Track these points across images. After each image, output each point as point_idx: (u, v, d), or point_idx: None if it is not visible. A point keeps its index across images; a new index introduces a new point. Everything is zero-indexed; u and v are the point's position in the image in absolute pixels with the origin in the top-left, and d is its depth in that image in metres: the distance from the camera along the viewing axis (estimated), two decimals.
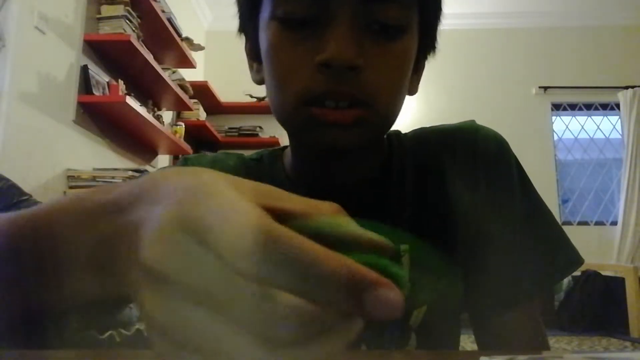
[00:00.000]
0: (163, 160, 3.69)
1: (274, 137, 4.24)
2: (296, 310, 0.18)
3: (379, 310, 0.18)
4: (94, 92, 2.50)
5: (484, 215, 0.52)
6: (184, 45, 3.35)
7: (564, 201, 4.66)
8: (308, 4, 0.44)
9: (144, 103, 2.97)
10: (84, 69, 2.48)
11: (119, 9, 2.58)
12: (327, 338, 0.19)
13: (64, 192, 2.35)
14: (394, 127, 0.53)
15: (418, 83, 0.54)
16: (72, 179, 2.38)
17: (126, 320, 1.63)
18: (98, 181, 2.38)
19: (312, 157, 0.52)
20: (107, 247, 0.25)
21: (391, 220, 0.51)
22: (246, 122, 4.48)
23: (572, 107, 4.75)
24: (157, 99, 3.26)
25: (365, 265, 0.19)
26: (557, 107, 4.73)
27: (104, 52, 2.64)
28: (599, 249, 4.31)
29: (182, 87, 3.37)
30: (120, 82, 2.68)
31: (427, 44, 0.52)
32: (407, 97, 0.51)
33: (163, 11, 3.01)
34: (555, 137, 4.71)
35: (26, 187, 1.99)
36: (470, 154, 0.54)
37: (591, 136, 4.75)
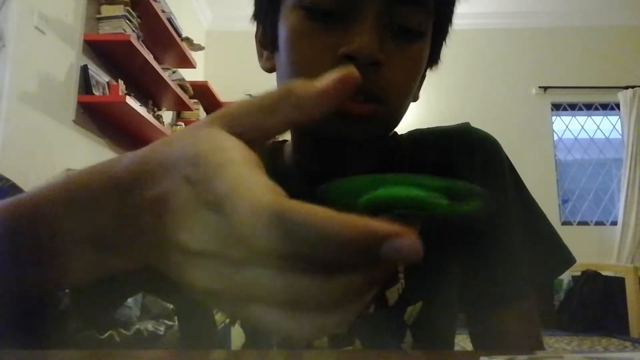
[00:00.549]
0: None
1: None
2: (317, 285, 0.19)
3: (398, 259, 0.18)
4: (94, 92, 2.50)
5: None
6: (184, 45, 3.36)
7: (564, 201, 4.67)
8: None
9: (144, 103, 2.97)
10: (84, 69, 2.48)
11: (119, 9, 2.58)
12: (347, 306, 0.20)
13: None
14: None
15: (419, 91, 0.56)
16: None
17: (126, 320, 1.63)
18: None
19: (313, 150, 0.53)
20: (119, 225, 0.25)
21: None
22: None
23: (572, 107, 4.75)
24: (157, 99, 3.26)
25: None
26: (557, 107, 4.73)
27: (104, 52, 2.65)
28: (599, 249, 4.31)
29: (182, 87, 3.37)
30: (120, 82, 2.68)
31: (433, 56, 0.54)
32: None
33: (163, 11, 3.01)
34: (555, 137, 4.71)
35: (26, 187, 1.99)
36: (467, 155, 0.55)
37: (591, 136, 4.76)
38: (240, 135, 0.24)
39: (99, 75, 2.62)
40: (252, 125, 0.25)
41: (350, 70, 0.25)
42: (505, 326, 0.53)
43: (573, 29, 4.71)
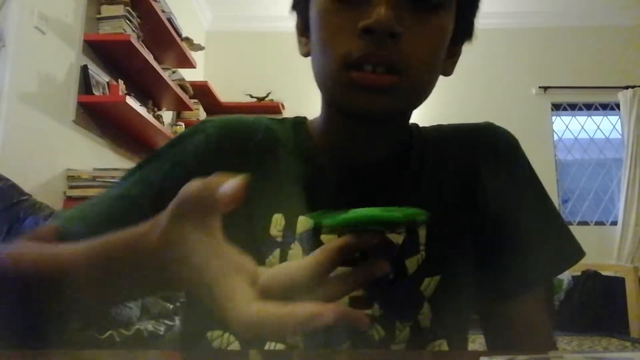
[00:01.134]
0: None
1: None
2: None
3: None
4: (94, 92, 2.50)
5: (502, 206, 0.56)
6: (184, 45, 3.35)
7: (564, 201, 4.66)
8: None
9: (144, 103, 2.97)
10: (84, 69, 2.48)
11: (119, 9, 2.58)
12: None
13: (64, 192, 2.35)
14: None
15: (453, 67, 0.58)
16: (72, 179, 2.38)
17: (126, 321, 1.63)
18: (98, 181, 2.38)
19: (343, 123, 0.55)
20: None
21: (406, 201, 0.53)
22: None
23: (572, 107, 4.75)
24: (157, 99, 3.26)
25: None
26: (557, 107, 4.73)
27: (104, 52, 2.64)
28: (599, 249, 4.31)
29: (182, 87, 3.37)
30: (120, 82, 2.68)
31: (463, 29, 0.56)
32: None
33: (163, 11, 3.01)
34: (555, 137, 4.71)
35: (26, 187, 1.99)
36: (491, 149, 0.58)
37: (591, 136, 4.76)
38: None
39: (99, 75, 2.61)
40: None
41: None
42: (523, 311, 0.55)
43: (573, 29, 4.71)
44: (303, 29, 0.57)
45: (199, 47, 3.67)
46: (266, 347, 0.52)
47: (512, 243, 0.56)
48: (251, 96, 4.43)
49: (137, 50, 2.58)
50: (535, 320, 0.56)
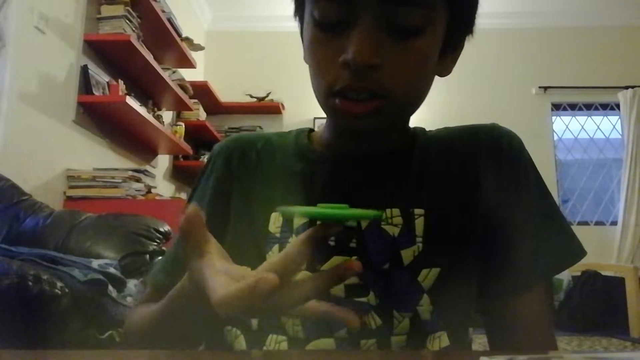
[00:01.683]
0: (163, 160, 3.69)
1: None
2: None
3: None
4: (94, 92, 2.50)
5: (505, 205, 0.58)
6: (184, 45, 3.35)
7: (564, 201, 4.66)
8: (338, 10, 0.50)
9: (144, 103, 2.97)
10: (84, 69, 2.48)
11: (119, 9, 2.58)
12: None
13: (64, 192, 2.36)
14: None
15: (454, 64, 0.60)
16: (72, 179, 2.38)
17: None
18: (98, 181, 2.38)
19: (342, 129, 0.59)
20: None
21: (408, 196, 0.57)
22: (246, 122, 4.48)
23: (572, 107, 4.75)
24: (157, 99, 3.26)
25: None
26: (557, 107, 4.73)
27: (104, 52, 2.65)
28: (599, 249, 4.31)
29: (182, 87, 3.37)
30: (120, 82, 2.68)
31: (462, 26, 0.56)
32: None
33: (163, 11, 3.01)
34: (555, 137, 4.71)
35: (26, 187, 1.99)
36: (495, 149, 0.59)
37: (591, 136, 4.76)
38: None
39: (99, 75, 2.62)
40: None
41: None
42: (525, 308, 0.56)
43: (573, 29, 4.71)
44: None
45: (199, 47, 3.67)
46: (268, 347, 0.53)
47: (515, 241, 0.57)
48: (251, 96, 4.43)
49: (137, 50, 2.58)
50: (536, 318, 0.56)
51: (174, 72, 3.31)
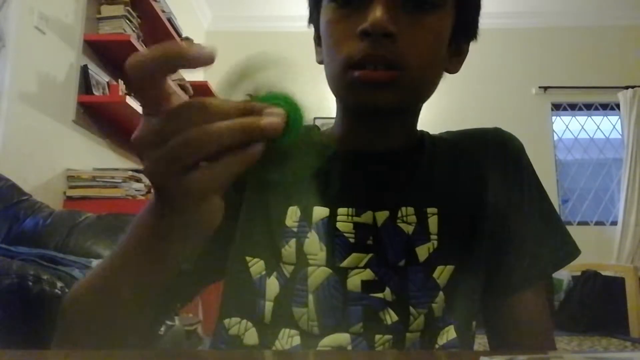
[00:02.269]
0: None
1: None
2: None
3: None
4: (94, 92, 2.50)
5: (505, 206, 0.60)
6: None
7: (564, 201, 4.66)
8: None
9: None
10: (84, 69, 2.48)
11: (119, 9, 2.58)
12: (231, 158, 0.33)
13: (64, 192, 2.35)
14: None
15: (460, 64, 0.62)
16: (72, 179, 2.38)
17: None
18: (98, 181, 2.38)
19: (353, 119, 0.61)
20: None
21: (420, 195, 0.58)
22: None
23: (572, 107, 4.75)
24: None
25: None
26: (557, 107, 4.73)
27: (104, 52, 2.64)
28: (599, 249, 4.31)
29: (182, 87, 3.37)
30: (120, 82, 2.68)
31: (466, 27, 0.59)
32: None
33: (163, 11, 3.01)
34: (555, 137, 4.71)
35: (26, 187, 1.99)
36: (498, 153, 0.62)
37: (591, 136, 4.76)
38: None
39: (99, 75, 2.62)
40: None
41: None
42: (524, 307, 0.58)
43: (573, 29, 4.71)
44: (318, 40, 0.63)
45: None
46: (281, 341, 0.53)
47: (514, 242, 0.59)
48: (251, 96, 4.43)
49: (137, 50, 2.58)
50: (535, 317, 0.58)
51: None
